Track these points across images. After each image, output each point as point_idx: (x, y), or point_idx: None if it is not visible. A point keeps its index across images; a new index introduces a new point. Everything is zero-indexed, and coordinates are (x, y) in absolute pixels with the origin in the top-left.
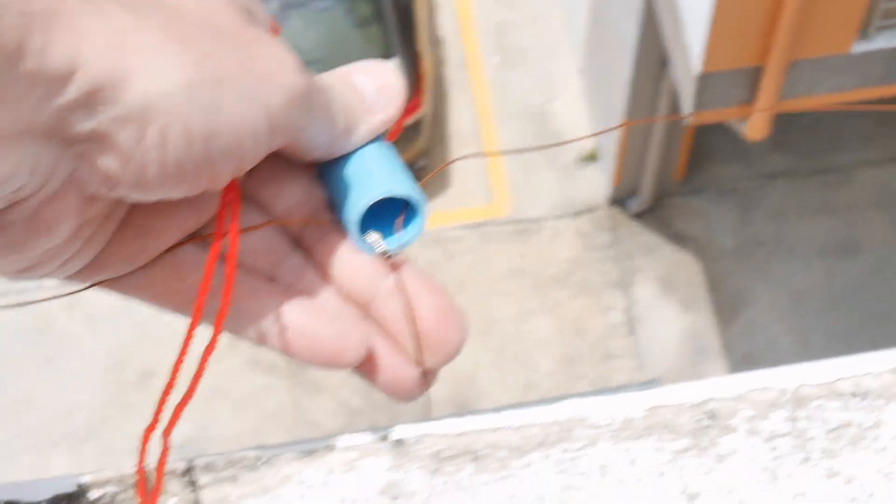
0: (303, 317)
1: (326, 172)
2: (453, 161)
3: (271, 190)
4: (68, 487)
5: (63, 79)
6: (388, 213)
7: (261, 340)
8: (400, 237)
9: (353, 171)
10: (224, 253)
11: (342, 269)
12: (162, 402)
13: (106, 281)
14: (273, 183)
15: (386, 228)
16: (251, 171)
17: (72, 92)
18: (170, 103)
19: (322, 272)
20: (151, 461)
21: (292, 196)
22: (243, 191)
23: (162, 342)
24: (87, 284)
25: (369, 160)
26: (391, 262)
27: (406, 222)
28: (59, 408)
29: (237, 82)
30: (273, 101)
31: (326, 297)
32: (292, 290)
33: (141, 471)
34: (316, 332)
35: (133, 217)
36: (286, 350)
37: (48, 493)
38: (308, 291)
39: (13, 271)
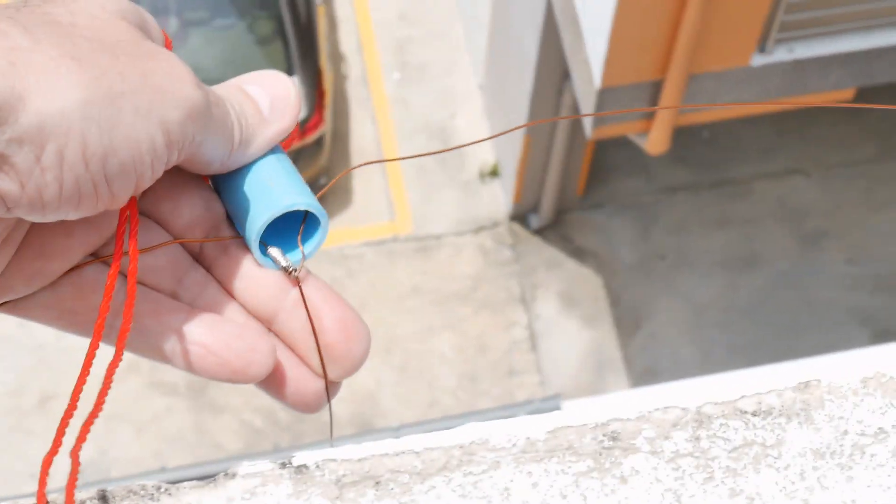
0: (207, 333)
1: (223, 186)
2: (354, 168)
3: (169, 206)
4: None
5: None
6: (288, 226)
7: (165, 359)
8: (301, 250)
9: (251, 185)
10: (125, 272)
11: (245, 284)
12: (64, 423)
13: (6, 304)
14: (171, 198)
15: (287, 241)
16: (149, 187)
17: None
18: (66, 122)
19: (225, 287)
20: (55, 485)
21: (191, 211)
22: (141, 207)
23: (61, 366)
24: None
25: (266, 173)
26: (293, 276)
27: (307, 233)
28: None
29: (134, 98)
30: (170, 115)
31: (231, 312)
32: (195, 307)
33: (41, 496)
34: (221, 348)
35: (33, 237)
36: (191, 367)
37: None
38: (212, 307)
39: None
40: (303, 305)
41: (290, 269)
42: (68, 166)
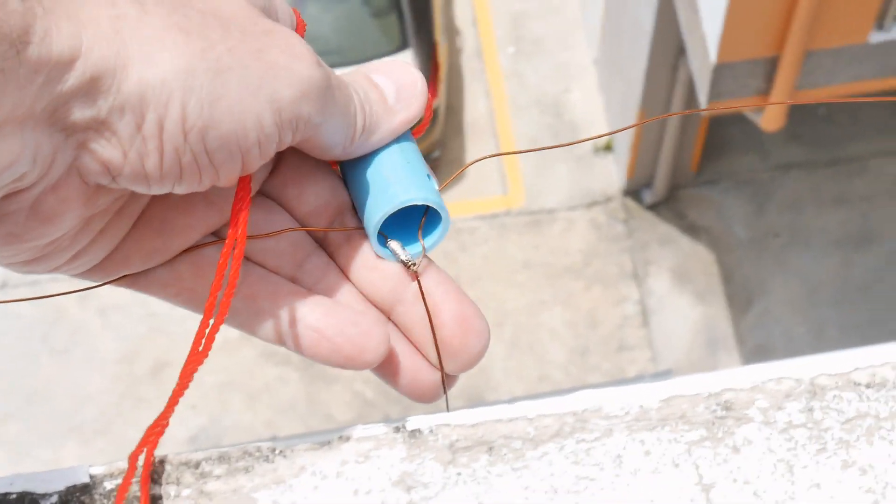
0: (322, 318)
1: (348, 173)
2: (472, 163)
3: (295, 191)
4: (81, 478)
5: (65, 66)
6: (410, 218)
7: (280, 341)
8: (422, 244)
9: (373, 175)
10: (247, 254)
11: (365, 274)
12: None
13: (125, 278)
14: (297, 184)
15: (409, 233)
16: (275, 171)
17: (73, 79)
18: (166, 92)
19: (346, 275)
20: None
21: (317, 198)
22: (267, 191)
23: (174, 334)
24: (108, 280)
25: (389, 163)
26: (412, 270)
27: (428, 226)
28: (70, 400)
29: (242, 73)
30: (282, 93)
31: (349, 299)
32: (313, 291)
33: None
34: (335, 333)
35: (153, 214)
36: (305, 351)
37: (61, 485)
38: (330, 293)
39: (19, 262)
40: (420, 300)
41: (410, 263)
42: (168, 136)
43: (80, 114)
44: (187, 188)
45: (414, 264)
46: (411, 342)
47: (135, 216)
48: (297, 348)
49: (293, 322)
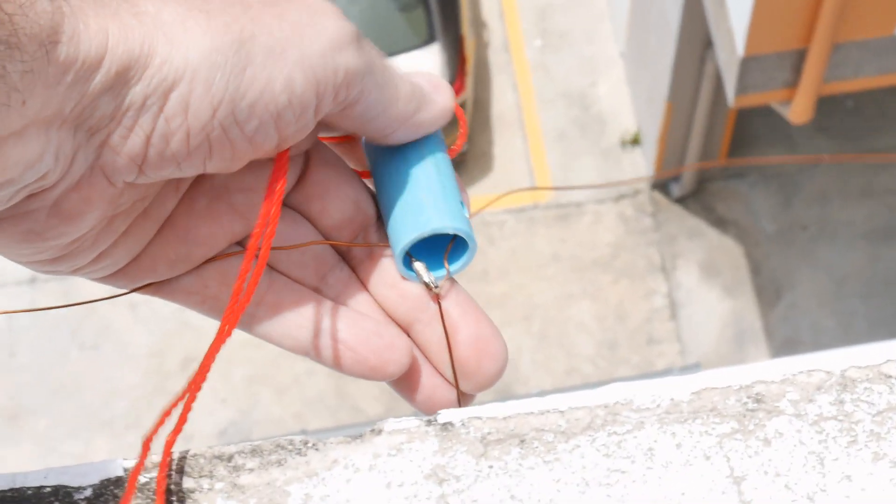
0: (346, 329)
1: (382, 181)
2: (505, 195)
3: (319, 205)
4: (115, 472)
5: (93, 65)
6: (437, 239)
7: (303, 351)
8: (447, 267)
9: (409, 190)
10: (272, 263)
11: (385, 291)
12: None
13: (150, 286)
14: (322, 197)
15: (434, 253)
16: (301, 182)
17: (100, 77)
18: (189, 71)
19: (367, 289)
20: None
21: (341, 212)
22: (292, 203)
23: (203, 329)
24: (134, 287)
25: (426, 182)
26: (434, 293)
27: (455, 250)
28: (101, 395)
29: (266, 39)
30: (309, 48)
31: (370, 311)
32: (337, 303)
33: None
34: (359, 345)
35: (177, 221)
36: (329, 362)
37: (95, 479)
38: (352, 304)
39: (40, 261)
40: (439, 322)
41: (433, 286)
42: (193, 114)
43: (104, 109)
44: (220, 165)
45: (437, 287)
46: (427, 360)
47: (160, 221)
48: (321, 358)
49: (318, 332)
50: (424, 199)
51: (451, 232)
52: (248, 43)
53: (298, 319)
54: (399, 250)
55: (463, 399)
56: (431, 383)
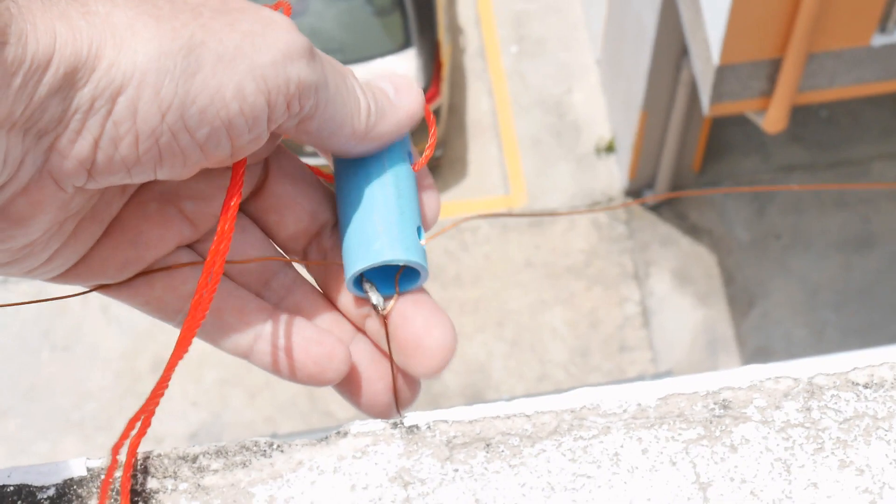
0: (286, 336)
1: (342, 193)
2: (468, 218)
3: (276, 216)
4: (79, 472)
5: (41, 67)
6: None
7: (245, 356)
8: (397, 291)
9: (366, 211)
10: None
11: (338, 294)
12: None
13: (102, 286)
14: (279, 210)
15: (387, 274)
16: (259, 194)
17: (48, 79)
18: (137, 75)
19: (322, 289)
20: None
21: (298, 224)
22: (250, 212)
23: (175, 332)
24: (87, 289)
25: (384, 205)
26: (383, 312)
27: (409, 274)
28: (71, 396)
29: (216, 46)
30: (261, 58)
31: (313, 315)
32: (279, 308)
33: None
34: (298, 352)
35: (127, 224)
36: (268, 367)
37: (58, 478)
38: (295, 309)
39: None
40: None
41: (380, 308)
42: (142, 118)
43: (53, 112)
44: (171, 172)
45: (384, 309)
46: (380, 350)
47: (106, 222)
48: (262, 364)
49: (258, 339)
50: (379, 226)
51: (402, 263)
52: (197, 49)
53: (239, 326)
54: (349, 275)
55: (410, 394)
56: (374, 389)
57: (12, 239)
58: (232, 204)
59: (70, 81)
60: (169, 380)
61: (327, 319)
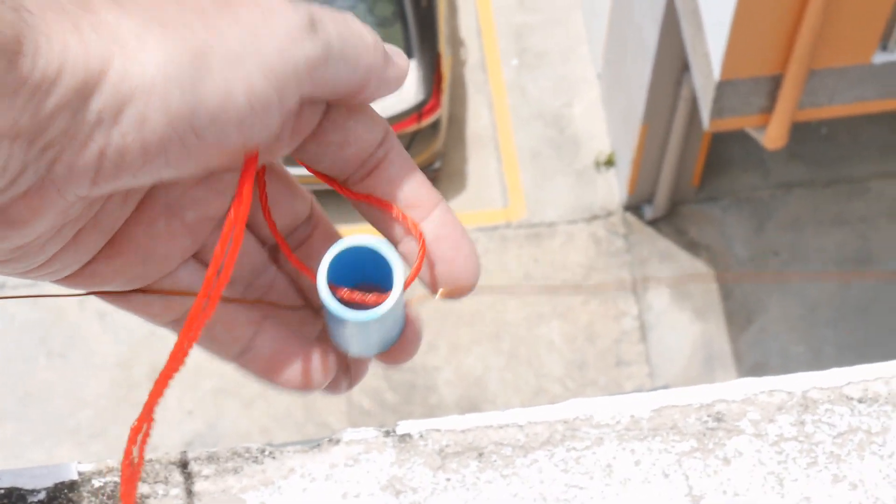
0: (270, 348)
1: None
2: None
3: (262, 216)
4: (70, 475)
5: (52, 80)
6: (374, 270)
7: (235, 364)
8: (364, 313)
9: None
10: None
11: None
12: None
13: (103, 292)
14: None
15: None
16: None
17: (59, 92)
18: (146, 86)
19: (290, 286)
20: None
21: (282, 224)
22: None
23: (172, 340)
24: (85, 292)
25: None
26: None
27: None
28: (67, 403)
29: (223, 47)
30: (267, 46)
31: (297, 316)
32: (266, 315)
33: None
34: (282, 364)
35: (140, 243)
36: (257, 376)
37: (49, 481)
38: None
39: None
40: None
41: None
42: (150, 128)
43: (60, 125)
44: (178, 173)
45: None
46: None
47: (109, 230)
48: (251, 373)
49: (245, 351)
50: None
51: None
52: (205, 54)
53: (227, 338)
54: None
55: (354, 375)
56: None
57: (6, 240)
58: (233, 235)
59: (79, 95)
60: (161, 394)
61: (310, 327)
